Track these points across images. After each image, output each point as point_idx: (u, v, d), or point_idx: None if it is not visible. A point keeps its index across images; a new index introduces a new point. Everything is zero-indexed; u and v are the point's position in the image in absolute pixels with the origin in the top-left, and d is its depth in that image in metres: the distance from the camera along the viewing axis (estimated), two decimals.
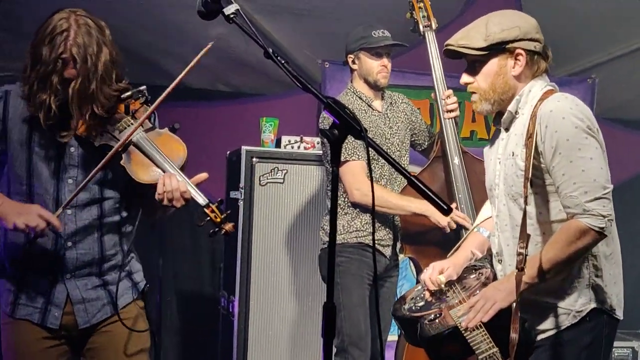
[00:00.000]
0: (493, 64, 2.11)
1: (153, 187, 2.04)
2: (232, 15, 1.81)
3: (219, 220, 2.02)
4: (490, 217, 2.44)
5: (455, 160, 3.27)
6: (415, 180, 1.70)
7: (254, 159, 3.83)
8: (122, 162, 2.09)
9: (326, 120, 3.16)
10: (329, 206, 3.12)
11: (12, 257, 2.20)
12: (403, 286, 3.82)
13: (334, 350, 3.15)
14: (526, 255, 1.99)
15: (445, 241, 3.21)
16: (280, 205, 3.94)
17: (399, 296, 3.49)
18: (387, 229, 3.24)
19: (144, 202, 2.24)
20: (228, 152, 3.96)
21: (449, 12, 4.35)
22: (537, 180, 2.05)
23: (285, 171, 3.91)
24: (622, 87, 5.43)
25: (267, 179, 3.91)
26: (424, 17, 3.40)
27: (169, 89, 2.07)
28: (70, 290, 2.15)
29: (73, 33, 1.97)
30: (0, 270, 2.23)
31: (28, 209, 2.03)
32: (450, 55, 2.23)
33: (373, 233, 3.24)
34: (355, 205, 3.18)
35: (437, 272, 2.38)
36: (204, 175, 2.13)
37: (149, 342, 2.31)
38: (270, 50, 1.76)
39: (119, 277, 2.23)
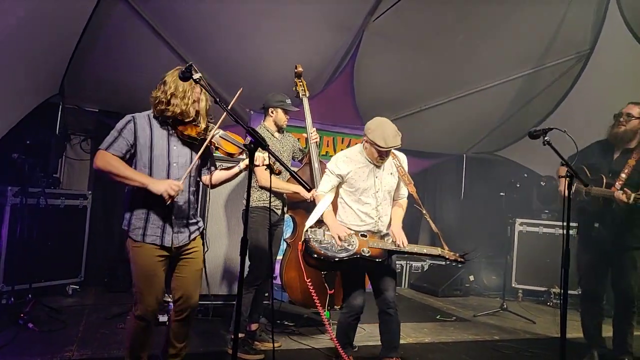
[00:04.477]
0: None
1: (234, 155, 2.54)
2: (197, 79, 2.30)
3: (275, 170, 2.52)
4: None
5: (316, 165, 3.90)
6: (294, 174, 2.43)
7: None
8: (215, 144, 2.54)
9: (247, 139, 3.35)
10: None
11: (140, 211, 2.48)
12: (286, 231, 4.14)
13: (248, 263, 3.63)
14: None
15: (308, 207, 3.76)
16: (225, 187, 3.97)
17: (285, 236, 4.06)
18: (280, 200, 3.76)
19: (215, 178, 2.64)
20: None
21: (315, 89, 5.36)
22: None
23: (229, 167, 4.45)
24: (401, 132, 6.78)
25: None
26: (302, 90, 3.99)
27: (220, 121, 2.54)
28: (173, 226, 2.52)
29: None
30: (129, 219, 2.49)
31: (168, 182, 2.40)
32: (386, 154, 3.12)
33: (269, 202, 3.58)
34: (261, 187, 3.63)
35: (345, 233, 3.14)
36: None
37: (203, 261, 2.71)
38: (217, 99, 2.31)
39: (195, 222, 2.63)
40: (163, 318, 3.95)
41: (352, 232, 3.17)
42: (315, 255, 3.03)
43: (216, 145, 2.56)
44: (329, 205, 3.25)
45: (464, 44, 5.44)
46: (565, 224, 2.66)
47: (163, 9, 4.54)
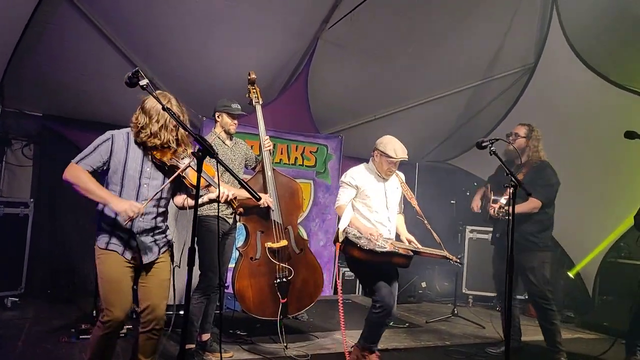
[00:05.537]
0: None
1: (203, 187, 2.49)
2: (144, 86, 2.18)
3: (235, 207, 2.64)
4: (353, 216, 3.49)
5: (269, 173, 3.88)
6: (244, 183, 2.39)
7: None
8: (183, 174, 2.47)
9: (196, 147, 3.25)
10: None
11: (107, 222, 2.51)
12: (239, 239, 4.05)
13: (199, 273, 3.61)
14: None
15: (260, 214, 3.85)
16: None
17: (237, 245, 3.93)
18: (232, 208, 3.47)
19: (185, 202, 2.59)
20: None
21: (270, 96, 5.35)
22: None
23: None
24: (355, 140, 6.40)
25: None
26: (255, 97, 3.96)
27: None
28: (138, 243, 2.54)
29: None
30: (98, 228, 2.53)
31: (129, 203, 2.39)
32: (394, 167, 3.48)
33: (218, 211, 3.44)
34: None
35: (376, 232, 3.37)
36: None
37: (171, 272, 2.67)
38: (165, 106, 2.24)
39: (162, 238, 2.64)
40: None
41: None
42: (359, 246, 3.20)
43: (183, 175, 2.51)
44: (352, 212, 3.49)
45: (416, 55, 5.56)
46: (509, 231, 2.75)
47: (110, 11, 4.42)
